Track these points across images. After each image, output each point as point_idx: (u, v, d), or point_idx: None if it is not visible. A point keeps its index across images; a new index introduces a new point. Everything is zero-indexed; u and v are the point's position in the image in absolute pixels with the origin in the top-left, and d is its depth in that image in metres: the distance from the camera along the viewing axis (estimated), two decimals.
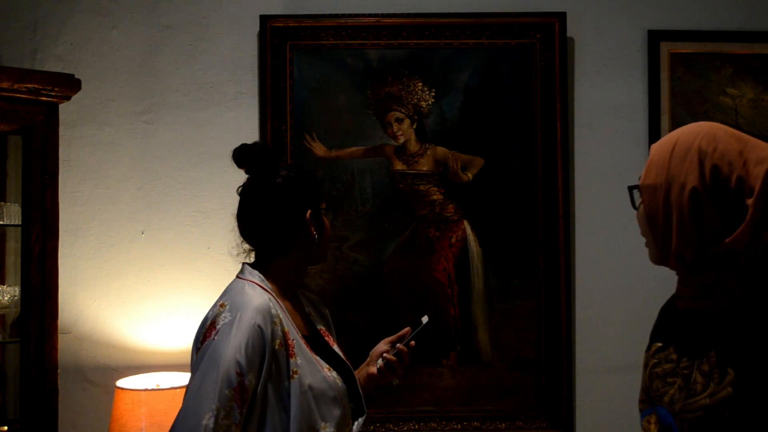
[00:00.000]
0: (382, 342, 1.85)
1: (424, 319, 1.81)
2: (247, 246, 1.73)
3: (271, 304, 1.58)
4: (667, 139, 1.25)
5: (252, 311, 1.54)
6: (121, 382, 2.39)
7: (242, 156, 1.69)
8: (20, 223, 2.28)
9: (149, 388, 2.36)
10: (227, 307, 1.57)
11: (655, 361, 1.31)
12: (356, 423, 1.71)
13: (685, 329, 1.26)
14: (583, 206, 2.69)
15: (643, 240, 1.32)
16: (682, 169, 1.17)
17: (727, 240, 1.15)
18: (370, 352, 1.86)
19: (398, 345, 1.79)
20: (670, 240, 1.20)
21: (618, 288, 2.69)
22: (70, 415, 2.55)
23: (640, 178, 1.27)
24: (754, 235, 1.14)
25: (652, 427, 1.26)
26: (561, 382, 2.63)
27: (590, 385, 2.67)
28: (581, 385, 2.67)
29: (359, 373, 1.81)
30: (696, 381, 1.18)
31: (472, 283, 2.67)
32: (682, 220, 1.17)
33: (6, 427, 2.36)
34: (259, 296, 1.58)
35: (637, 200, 1.28)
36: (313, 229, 1.68)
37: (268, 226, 1.68)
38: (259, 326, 1.52)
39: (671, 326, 1.31)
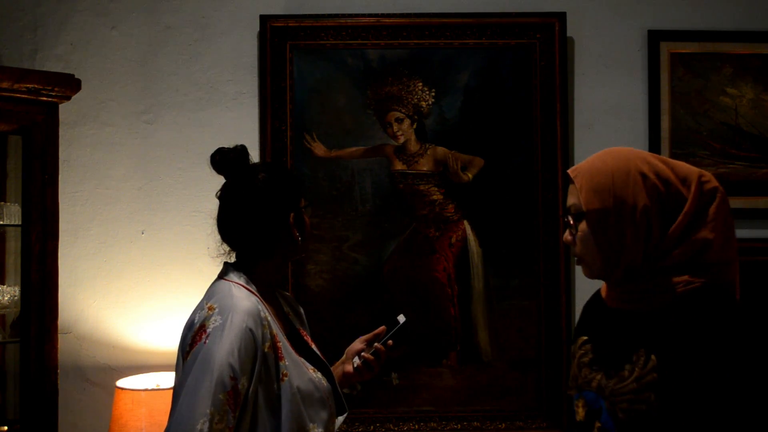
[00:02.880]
0: (358, 340, 1.85)
1: (401, 318, 1.81)
2: (227, 248, 1.72)
3: (259, 307, 1.58)
4: (598, 166, 1.36)
5: (242, 314, 1.53)
6: (121, 382, 2.39)
7: (222, 161, 1.68)
8: (20, 223, 2.28)
9: (149, 388, 2.36)
10: (216, 309, 1.55)
11: (582, 351, 1.45)
12: (336, 421, 1.71)
13: (615, 325, 1.39)
14: None
15: None
16: (628, 191, 1.32)
17: (669, 232, 1.31)
18: (346, 350, 1.86)
19: (376, 344, 1.79)
20: (620, 255, 1.33)
21: None
22: (70, 415, 2.56)
23: (571, 208, 1.40)
24: (684, 234, 1.30)
25: (580, 410, 1.39)
26: (561, 382, 2.63)
27: None
28: None
29: (335, 371, 1.81)
30: (624, 368, 1.32)
31: (472, 283, 2.67)
32: (637, 235, 1.31)
33: (6, 427, 2.36)
34: (247, 299, 1.58)
35: (579, 225, 1.38)
36: (296, 231, 1.67)
37: (250, 230, 1.67)
38: (250, 329, 1.52)
39: (598, 322, 1.47)
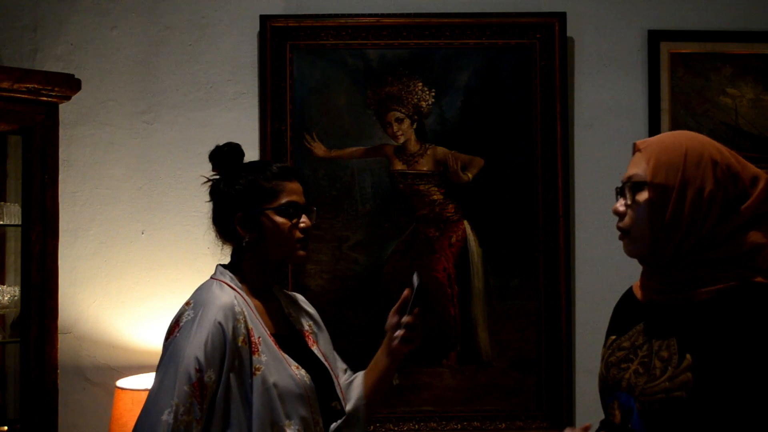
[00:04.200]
0: (390, 315, 1.76)
1: (415, 279, 1.72)
2: (226, 247, 1.78)
3: (236, 302, 1.60)
4: (672, 143, 1.34)
5: (214, 309, 1.56)
6: (121, 382, 2.39)
7: (212, 157, 1.74)
8: (20, 223, 2.28)
9: (149, 388, 2.35)
10: (191, 305, 1.60)
11: (609, 351, 1.44)
12: (334, 423, 1.71)
13: (647, 320, 1.37)
14: (583, 206, 2.69)
15: None
16: (698, 173, 1.29)
17: (724, 224, 1.27)
18: (386, 327, 1.77)
19: (404, 318, 1.71)
20: (672, 235, 1.29)
21: (618, 288, 2.63)
22: (70, 415, 2.55)
23: (632, 177, 1.35)
24: (740, 230, 1.28)
25: (617, 412, 1.37)
26: (561, 382, 2.63)
27: (590, 385, 2.65)
28: (581, 385, 2.67)
29: (383, 351, 1.76)
30: (655, 366, 1.29)
31: (472, 283, 2.67)
32: (694, 218, 1.28)
33: (6, 427, 2.36)
34: (225, 295, 1.60)
35: (638, 195, 1.34)
36: (242, 232, 1.67)
37: (215, 228, 1.74)
38: (219, 323, 1.54)
39: (628, 318, 1.44)
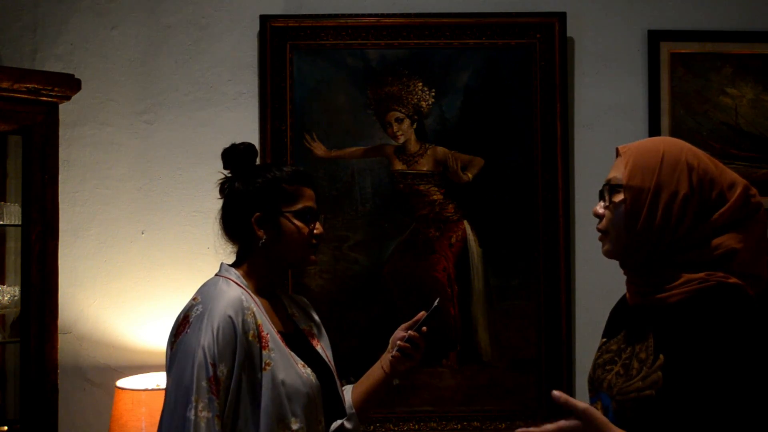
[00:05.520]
0: (399, 329, 1.82)
1: (436, 303, 1.79)
2: (229, 247, 1.77)
3: (243, 297, 1.60)
4: (650, 147, 1.37)
5: (223, 303, 1.56)
6: (121, 382, 2.39)
7: (227, 156, 1.74)
8: (20, 223, 2.28)
9: (149, 388, 2.36)
10: (199, 300, 1.60)
11: (598, 353, 1.47)
12: (334, 423, 1.72)
13: (630, 321, 1.40)
14: (583, 206, 2.69)
15: None
16: (673, 177, 1.31)
17: (699, 228, 1.29)
18: (390, 339, 1.84)
19: (409, 332, 1.77)
20: (645, 237, 1.32)
21: (618, 288, 2.64)
22: (70, 415, 2.56)
23: (611, 180, 1.39)
24: (714, 234, 1.30)
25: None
26: (561, 382, 2.63)
27: None
28: (581, 385, 2.66)
29: (383, 361, 1.80)
30: (633, 367, 1.32)
31: (472, 283, 2.67)
32: (668, 221, 1.30)
33: (6, 427, 2.36)
34: (232, 290, 1.61)
35: (615, 197, 1.38)
36: (259, 231, 1.67)
37: (225, 226, 1.74)
38: (229, 317, 1.54)
39: (618, 321, 1.47)
